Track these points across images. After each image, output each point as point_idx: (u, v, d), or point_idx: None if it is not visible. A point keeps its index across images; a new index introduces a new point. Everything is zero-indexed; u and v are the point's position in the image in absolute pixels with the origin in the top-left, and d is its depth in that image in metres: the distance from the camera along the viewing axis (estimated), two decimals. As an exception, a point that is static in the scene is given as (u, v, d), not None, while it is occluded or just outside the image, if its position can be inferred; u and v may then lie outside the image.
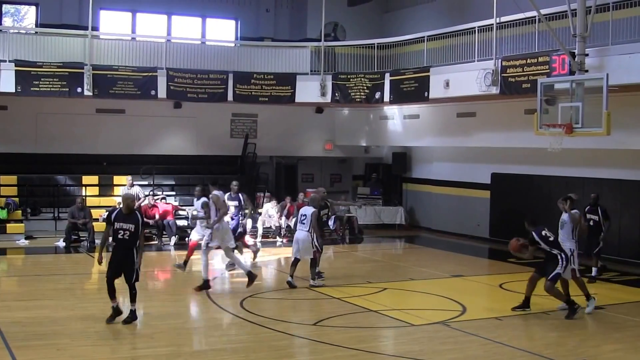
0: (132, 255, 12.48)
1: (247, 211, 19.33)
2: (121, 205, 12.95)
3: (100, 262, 12.64)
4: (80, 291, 16.31)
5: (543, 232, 13.74)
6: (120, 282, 12.58)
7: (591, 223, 17.61)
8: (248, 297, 15.04)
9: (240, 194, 18.68)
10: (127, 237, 12.45)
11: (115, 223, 12.51)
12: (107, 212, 13.17)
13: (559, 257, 13.58)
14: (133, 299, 12.58)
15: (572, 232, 15.24)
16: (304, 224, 16.19)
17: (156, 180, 25.79)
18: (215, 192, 16.03)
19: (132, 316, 12.56)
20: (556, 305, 14.10)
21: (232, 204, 18.14)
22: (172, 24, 28.95)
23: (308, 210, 16.39)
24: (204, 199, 18.73)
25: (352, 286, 16.54)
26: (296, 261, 16.36)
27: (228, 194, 18.24)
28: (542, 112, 16.91)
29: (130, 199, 12.96)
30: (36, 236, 22.91)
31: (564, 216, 15.24)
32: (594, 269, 17.82)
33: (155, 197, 23.99)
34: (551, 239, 13.77)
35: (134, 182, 23.83)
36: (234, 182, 18.98)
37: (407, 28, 26.91)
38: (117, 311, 12.60)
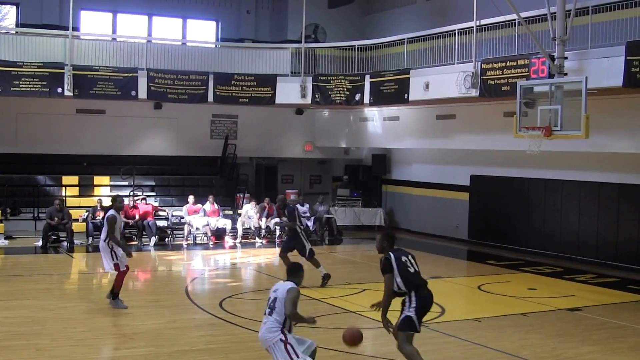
0: None
1: None
2: None
3: None
4: (60, 291, 16.26)
5: (404, 258, 9.91)
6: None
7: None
8: (227, 298, 15.07)
9: None
10: None
11: None
12: None
13: (410, 297, 9.79)
14: None
15: None
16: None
17: (136, 181, 25.72)
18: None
19: None
20: None
21: None
22: (152, 24, 28.87)
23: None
24: None
25: (331, 287, 16.57)
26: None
27: None
28: (521, 115, 16.95)
29: None
30: (16, 236, 22.78)
31: None
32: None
33: (136, 198, 23.92)
34: (412, 270, 9.87)
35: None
36: None
37: (388, 30, 27.04)
38: None
